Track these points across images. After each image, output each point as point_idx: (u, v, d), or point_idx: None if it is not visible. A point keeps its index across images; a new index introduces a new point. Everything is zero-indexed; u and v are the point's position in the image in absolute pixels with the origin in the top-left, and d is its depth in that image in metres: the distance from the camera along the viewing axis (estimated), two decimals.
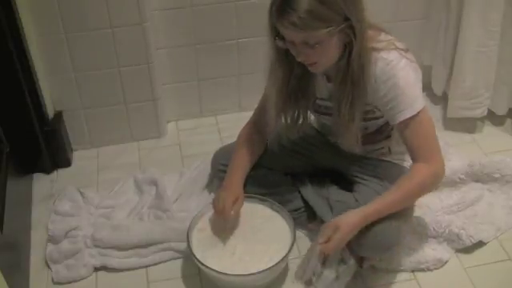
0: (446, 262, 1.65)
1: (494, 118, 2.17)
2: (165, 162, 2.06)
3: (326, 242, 1.45)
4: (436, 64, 2.20)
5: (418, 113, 1.44)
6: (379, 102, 1.47)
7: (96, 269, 1.69)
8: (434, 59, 2.21)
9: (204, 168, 1.95)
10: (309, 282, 1.51)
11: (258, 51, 2.13)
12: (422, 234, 1.70)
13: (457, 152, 2.00)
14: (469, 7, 1.93)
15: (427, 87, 2.32)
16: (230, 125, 2.18)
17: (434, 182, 1.50)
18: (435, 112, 2.24)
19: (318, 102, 1.60)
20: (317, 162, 1.76)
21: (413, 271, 1.63)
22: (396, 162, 1.67)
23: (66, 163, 2.06)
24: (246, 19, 2.06)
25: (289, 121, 1.61)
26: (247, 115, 2.23)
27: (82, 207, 1.85)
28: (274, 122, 1.64)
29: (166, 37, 2.04)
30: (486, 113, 2.11)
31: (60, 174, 2.02)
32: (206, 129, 2.21)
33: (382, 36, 1.46)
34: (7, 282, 1.38)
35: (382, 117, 1.55)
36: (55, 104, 2.03)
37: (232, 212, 1.59)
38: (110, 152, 2.12)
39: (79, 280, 1.66)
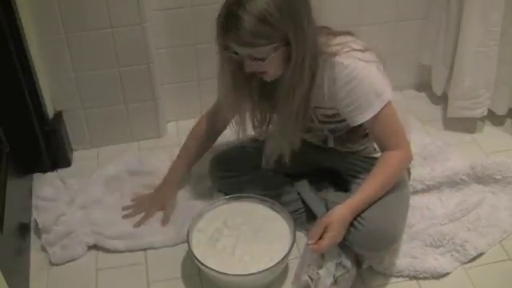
0: (446, 275, 1.63)
1: (493, 118, 2.17)
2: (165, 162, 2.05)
3: (317, 241, 1.46)
4: (436, 64, 2.20)
5: (378, 112, 1.47)
6: (338, 105, 1.50)
7: (96, 269, 1.70)
8: (433, 59, 2.21)
9: None
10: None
11: None
12: (426, 242, 1.69)
13: (457, 152, 1.99)
14: (469, 7, 1.93)
15: (427, 87, 2.32)
16: (229, 125, 2.17)
17: (406, 166, 1.62)
18: (435, 112, 2.25)
19: None
20: (314, 162, 1.76)
21: (411, 278, 1.63)
22: None
23: (66, 163, 2.06)
24: None
25: (256, 123, 1.64)
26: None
27: (63, 192, 1.90)
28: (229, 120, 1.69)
29: (166, 37, 2.04)
30: (486, 113, 2.11)
31: (60, 174, 2.02)
32: None
33: (337, 39, 1.47)
34: (7, 282, 1.38)
35: (342, 121, 1.58)
36: (55, 104, 2.03)
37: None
38: (110, 152, 2.12)
39: (76, 259, 1.71)
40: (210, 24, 2.03)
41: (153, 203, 1.81)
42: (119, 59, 1.98)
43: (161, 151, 2.10)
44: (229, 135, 1.93)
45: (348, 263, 1.54)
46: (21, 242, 1.74)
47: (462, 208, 1.78)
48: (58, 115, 2.03)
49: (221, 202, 1.74)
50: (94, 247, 1.75)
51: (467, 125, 2.14)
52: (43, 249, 1.74)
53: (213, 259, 1.55)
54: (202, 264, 1.53)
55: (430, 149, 1.95)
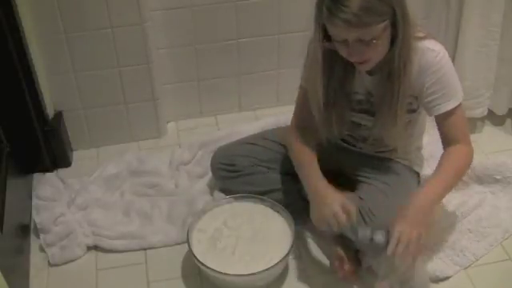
0: (445, 278, 1.62)
1: (494, 118, 2.17)
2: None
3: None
4: None
5: (460, 102, 1.47)
6: (422, 92, 1.47)
7: (96, 269, 1.70)
8: None
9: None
10: None
11: (258, 51, 2.14)
12: (426, 246, 1.67)
13: None
14: (469, 7, 1.93)
15: None
16: (229, 125, 2.18)
17: (470, 162, 1.54)
18: None
19: (351, 97, 1.56)
20: (319, 162, 1.75)
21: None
22: (399, 160, 1.67)
23: (66, 163, 2.06)
24: (246, 19, 2.06)
25: (333, 122, 1.56)
26: (247, 115, 2.25)
27: (62, 192, 1.90)
28: (321, 123, 1.57)
29: (166, 37, 2.04)
30: (486, 113, 2.11)
31: (60, 174, 2.02)
32: (206, 129, 2.21)
33: (418, 27, 1.43)
34: (7, 282, 1.38)
35: (414, 111, 1.55)
36: (55, 104, 2.03)
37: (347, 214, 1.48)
38: (110, 152, 2.12)
39: (75, 259, 1.71)
40: (210, 24, 2.05)
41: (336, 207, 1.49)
42: (119, 59, 1.98)
43: (161, 151, 2.10)
44: (243, 131, 1.98)
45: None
46: (21, 242, 1.74)
47: (463, 210, 1.77)
48: (58, 115, 2.03)
49: (221, 201, 1.74)
50: (94, 247, 1.75)
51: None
52: (43, 249, 1.74)
53: (213, 259, 1.56)
54: (202, 264, 1.53)
55: (429, 149, 1.95)
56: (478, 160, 1.89)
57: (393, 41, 1.38)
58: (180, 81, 2.17)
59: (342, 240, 1.56)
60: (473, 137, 2.09)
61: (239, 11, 2.04)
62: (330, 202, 1.48)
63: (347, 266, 1.57)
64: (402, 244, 1.36)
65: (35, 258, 1.73)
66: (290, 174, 1.78)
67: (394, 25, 1.34)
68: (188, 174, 1.96)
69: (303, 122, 1.63)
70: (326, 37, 1.37)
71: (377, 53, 1.39)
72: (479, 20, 1.94)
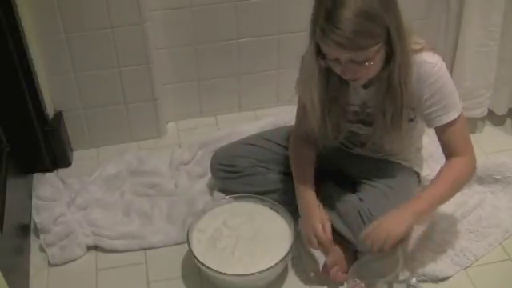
0: (445, 278, 1.62)
1: (493, 118, 2.17)
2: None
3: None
4: None
5: (460, 113, 1.47)
6: (421, 104, 1.47)
7: (96, 269, 1.70)
8: None
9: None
10: None
11: (258, 51, 2.14)
12: (426, 246, 1.68)
13: None
14: (469, 7, 1.93)
15: None
16: (229, 125, 2.18)
17: (472, 173, 1.54)
18: None
19: (347, 108, 1.56)
20: (320, 163, 1.76)
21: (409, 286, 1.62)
22: (400, 161, 1.67)
23: (66, 163, 2.06)
24: (246, 19, 2.06)
25: (329, 131, 1.56)
26: (247, 115, 2.25)
27: (62, 192, 1.90)
28: (318, 132, 1.57)
29: (166, 37, 2.04)
30: (486, 113, 2.11)
31: (60, 174, 2.02)
32: (206, 129, 2.21)
33: (415, 37, 1.43)
34: (7, 282, 1.38)
35: (412, 121, 1.54)
36: (55, 104, 2.03)
37: (327, 239, 1.54)
38: (110, 152, 2.12)
39: (75, 259, 1.71)
40: (210, 24, 2.05)
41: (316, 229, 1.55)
42: (119, 59, 1.98)
43: (161, 151, 2.10)
44: (243, 131, 1.98)
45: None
46: (21, 242, 1.74)
47: (463, 210, 1.77)
48: (58, 115, 2.03)
49: (221, 201, 1.74)
50: (94, 247, 1.75)
51: (467, 125, 2.14)
52: (43, 249, 1.74)
53: (213, 259, 1.56)
54: (202, 264, 1.54)
55: (429, 149, 1.95)
56: (478, 160, 1.89)
57: (388, 55, 1.37)
58: (180, 81, 2.17)
59: (340, 240, 1.56)
60: (473, 137, 2.08)
61: (239, 11, 2.04)
62: (313, 215, 1.55)
63: (335, 268, 1.57)
64: (370, 227, 1.43)
65: (35, 258, 1.73)
66: (289, 174, 1.78)
67: (388, 43, 1.34)
68: (188, 174, 1.97)
69: (303, 131, 1.63)
70: (321, 54, 1.38)
71: (369, 71, 1.39)
72: (479, 20, 1.94)
